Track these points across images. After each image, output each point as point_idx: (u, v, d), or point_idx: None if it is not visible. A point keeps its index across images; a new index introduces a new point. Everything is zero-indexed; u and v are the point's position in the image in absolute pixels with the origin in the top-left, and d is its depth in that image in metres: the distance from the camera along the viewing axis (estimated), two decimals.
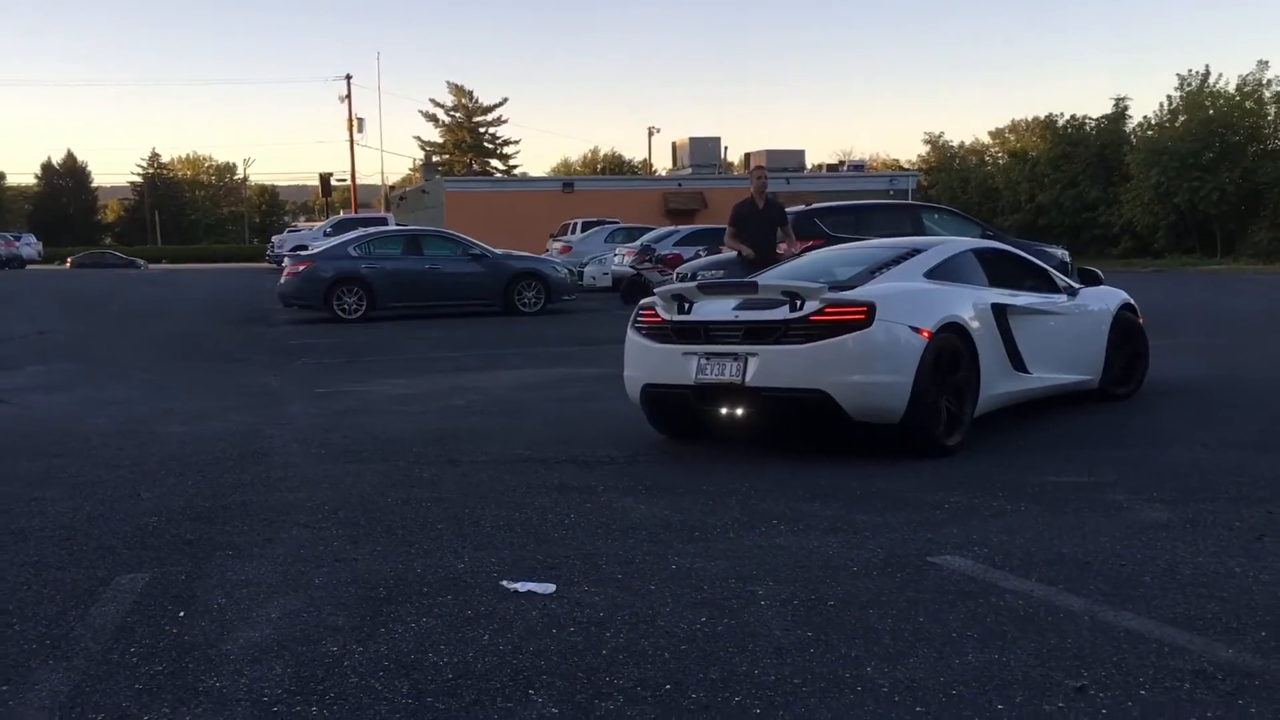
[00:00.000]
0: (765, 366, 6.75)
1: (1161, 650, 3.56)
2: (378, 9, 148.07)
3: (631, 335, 7.64)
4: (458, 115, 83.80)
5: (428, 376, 11.98)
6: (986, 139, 63.06)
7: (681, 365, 7.10)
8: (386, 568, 4.69)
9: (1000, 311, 7.55)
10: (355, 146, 57.99)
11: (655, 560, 4.72)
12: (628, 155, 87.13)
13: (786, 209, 15.00)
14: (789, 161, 51.19)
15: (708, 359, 6.97)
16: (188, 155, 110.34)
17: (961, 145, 64.40)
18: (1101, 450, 7.10)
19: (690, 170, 51.50)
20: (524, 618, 4.00)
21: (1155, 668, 3.42)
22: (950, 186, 60.92)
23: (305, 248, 27.86)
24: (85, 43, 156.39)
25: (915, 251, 7.97)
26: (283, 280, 20.00)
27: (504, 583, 4.41)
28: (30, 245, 57.90)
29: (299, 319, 19.50)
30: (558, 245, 30.81)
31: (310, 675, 3.49)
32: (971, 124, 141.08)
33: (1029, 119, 58.83)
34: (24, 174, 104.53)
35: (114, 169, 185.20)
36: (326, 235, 33.13)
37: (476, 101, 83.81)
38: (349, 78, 58.32)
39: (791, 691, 3.32)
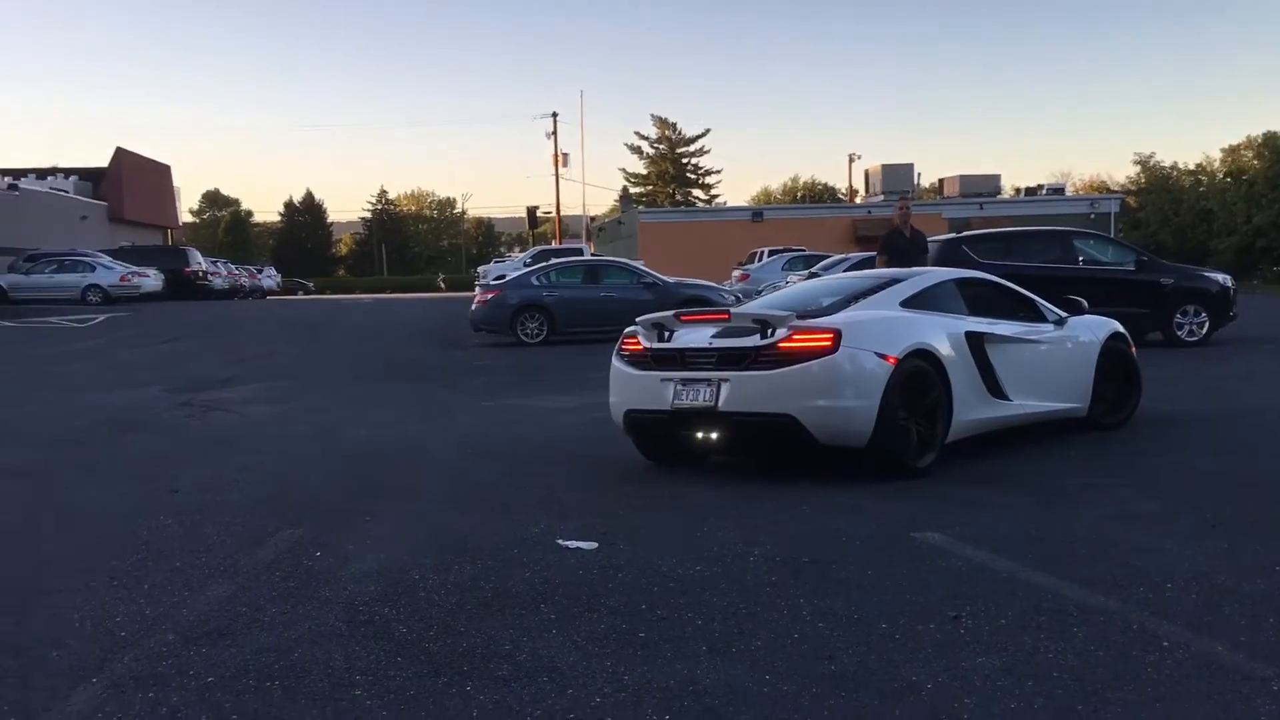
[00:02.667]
0: (736, 391, 7.00)
1: (1041, 596, 4.47)
2: (584, 49, 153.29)
3: (615, 362, 7.91)
4: (661, 147, 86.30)
5: (585, 393, 13.32)
6: (1201, 159, 60.61)
7: (659, 391, 7.37)
8: (477, 530, 5.99)
9: (976, 339, 7.69)
10: (560, 180, 60.90)
11: (686, 531, 5.85)
12: (829, 182, 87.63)
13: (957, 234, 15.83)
14: (983, 186, 50.84)
15: (684, 385, 7.24)
16: (412, 191, 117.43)
17: (1174, 166, 62.15)
18: (1117, 458, 7.70)
19: (882, 197, 51.77)
20: (562, 563, 5.22)
21: (1024, 607, 4.35)
22: (1161, 209, 58.91)
23: (504, 277, 29.93)
24: (323, 91, 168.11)
25: (894, 281, 8.20)
26: (473, 308, 21.89)
27: (559, 541, 5.64)
28: (270, 277, 63.05)
29: (487, 343, 21.32)
30: (737, 273, 31.96)
31: (391, 591, 4.81)
32: (1186, 144, 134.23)
33: (1247, 138, 56.33)
34: (269, 212, 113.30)
35: (347, 206, 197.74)
36: (526, 265, 35.28)
37: (679, 133, 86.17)
38: (555, 115, 61.26)
39: (734, 612, 4.41)
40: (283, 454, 9.22)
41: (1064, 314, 9.01)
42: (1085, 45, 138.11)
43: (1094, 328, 9.16)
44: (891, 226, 15.53)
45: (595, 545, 5.55)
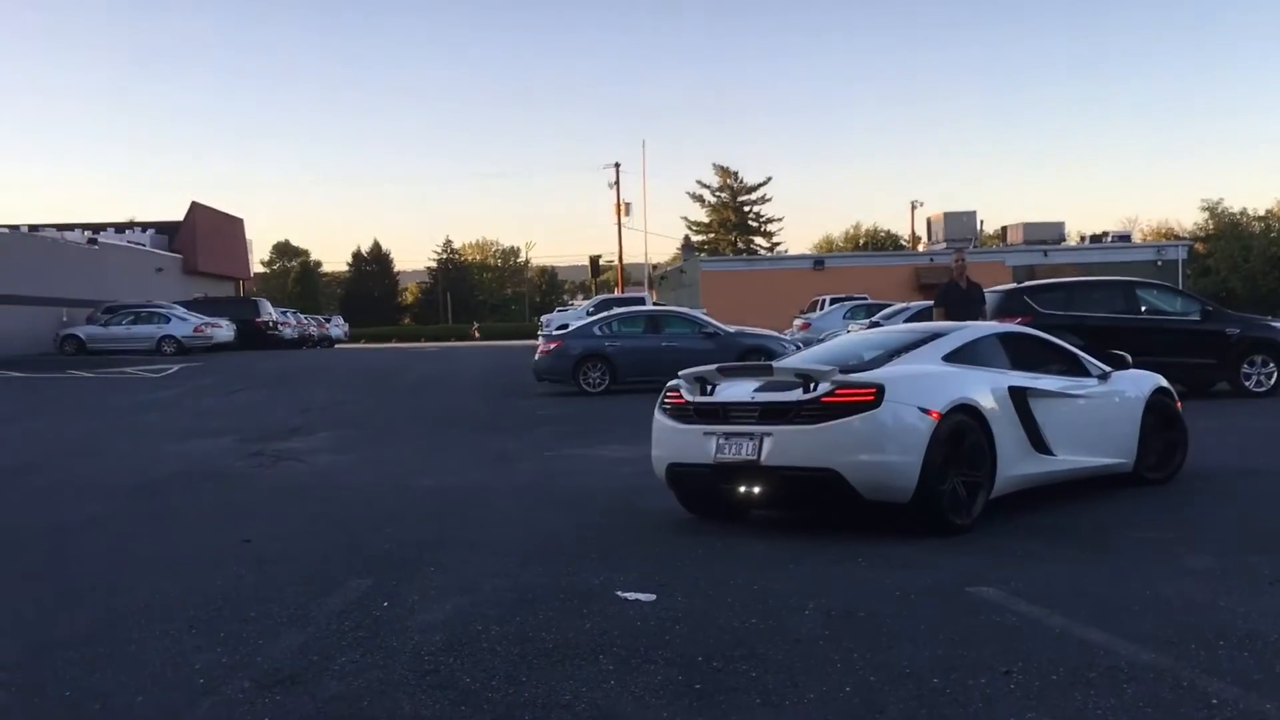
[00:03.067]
0: (780, 446, 7.03)
1: (1093, 652, 4.53)
2: (647, 99, 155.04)
3: (658, 416, 8.00)
4: (723, 195, 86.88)
5: (645, 444, 13.29)
6: (1272, 204, 59.69)
7: (702, 444, 7.41)
8: (540, 581, 6.15)
9: (1019, 394, 7.68)
10: (623, 229, 61.50)
11: (745, 582, 5.97)
12: (891, 229, 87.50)
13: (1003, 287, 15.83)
14: (1048, 234, 50.47)
15: (726, 438, 7.27)
16: (477, 240, 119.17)
17: (1243, 212, 61.25)
18: (1175, 511, 7.69)
19: (944, 245, 51.57)
20: (621, 614, 5.37)
21: (1076, 663, 4.41)
22: (1231, 255, 58.03)
23: (567, 326, 30.30)
24: (391, 143, 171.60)
25: (936, 335, 8.23)
26: (537, 357, 22.20)
27: (618, 592, 5.78)
28: (339, 326, 64.31)
29: (550, 392, 21.59)
30: (798, 322, 32.05)
31: (456, 641, 4.98)
32: (1255, 189, 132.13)
33: None
34: (338, 262, 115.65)
35: (414, 255, 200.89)
36: (589, 314, 35.65)
37: (741, 181, 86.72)
38: (618, 165, 61.91)
39: (788, 664, 4.52)
40: (350, 504, 9.47)
41: (1107, 368, 8.97)
42: (1153, 90, 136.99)
43: (1138, 382, 9.10)
44: (949, 278, 15.60)
45: (654, 597, 5.69)
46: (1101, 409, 8.60)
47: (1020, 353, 8.43)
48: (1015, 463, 7.57)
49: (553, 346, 21.95)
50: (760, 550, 6.85)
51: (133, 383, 26.05)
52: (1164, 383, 9.33)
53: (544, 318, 48.60)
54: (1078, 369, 8.77)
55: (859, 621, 5.13)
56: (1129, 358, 9.33)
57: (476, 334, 79.83)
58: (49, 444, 15.16)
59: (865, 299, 33.90)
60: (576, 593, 5.85)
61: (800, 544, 6.98)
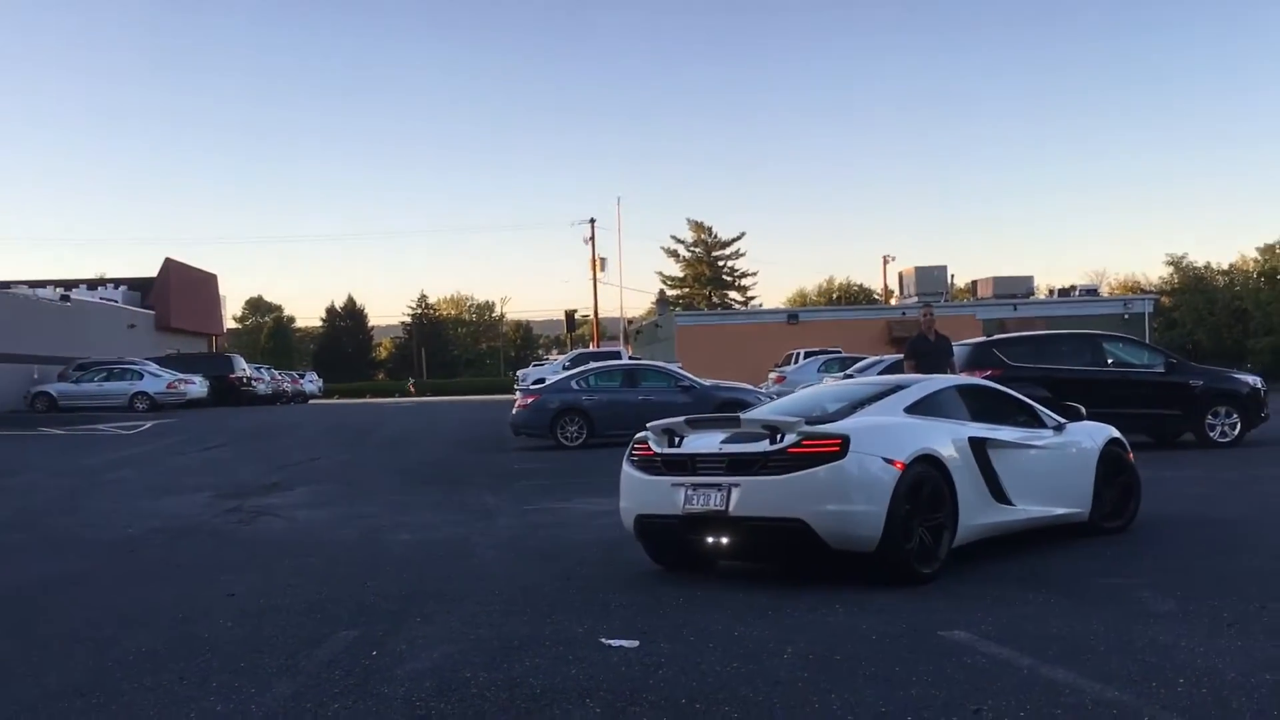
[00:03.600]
0: (747, 496, 7.15)
1: (1060, 691, 4.72)
2: (621, 155, 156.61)
3: (625, 468, 8.06)
4: (697, 250, 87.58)
5: None
6: (1236, 258, 60.88)
7: (670, 496, 7.51)
8: (525, 630, 6.29)
9: (979, 444, 7.84)
10: (598, 284, 61.97)
11: (725, 629, 6.13)
12: (865, 284, 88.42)
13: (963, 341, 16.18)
14: (1017, 288, 51.25)
15: (694, 489, 7.37)
16: (451, 295, 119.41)
17: (1207, 266, 62.35)
18: (1143, 559, 7.93)
19: (916, 298, 52.22)
20: (606, 660, 5.52)
21: (1043, 701, 4.60)
22: (1196, 309, 58.95)
23: (544, 380, 30.46)
24: (364, 199, 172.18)
25: (898, 388, 8.43)
26: (514, 411, 22.34)
27: (602, 639, 5.93)
28: (312, 382, 64.19)
29: (527, 446, 21.71)
30: (774, 375, 32.36)
31: (446, 687, 5.12)
32: (1220, 244, 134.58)
33: None
34: (311, 318, 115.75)
35: (388, 310, 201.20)
36: (565, 368, 35.81)
37: (715, 236, 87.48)
38: (593, 221, 62.51)
39: (769, 706, 4.68)
40: (332, 558, 9.56)
41: (1062, 420, 9.15)
42: (1118, 147, 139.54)
43: (1092, 433, 9.28)
44: (917, 332, 15.95)
45: (637, 643, 5.84)
46: (1058, 459, 8.77)
47: (979, 404, 8.65)
48: (976, 512, 7.72)
49: (530, 401, 22.10)
50: (739, 598, 7.01)
51: (106, 440, 25.97)
52: (1117, 433, 9.53)
53: (520, 373, 48.75)
54: (1034, 420, 8.95)
55: (836, 664, 5.31)
56: (1083, 409, 9.55)
57: (413, 389, 79.92)
58: (23, 501, 15.14)
59: (839, 352, 34.28)
60: (561, 640, 5.99)
61: (778, 593, 7.15)
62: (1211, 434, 16.96)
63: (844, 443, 7.07)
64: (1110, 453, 9.23)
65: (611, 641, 5.90)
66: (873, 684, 4.96)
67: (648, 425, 8.13)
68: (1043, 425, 8.93)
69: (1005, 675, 5.02)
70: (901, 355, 18.25)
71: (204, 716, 4.82)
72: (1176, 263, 62.95)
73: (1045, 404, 9.55)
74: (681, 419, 8.00)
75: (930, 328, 15.46)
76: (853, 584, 7.19)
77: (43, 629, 6.96)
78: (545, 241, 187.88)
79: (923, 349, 15.30)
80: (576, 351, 46.21)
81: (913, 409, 8.03)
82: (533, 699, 4.90)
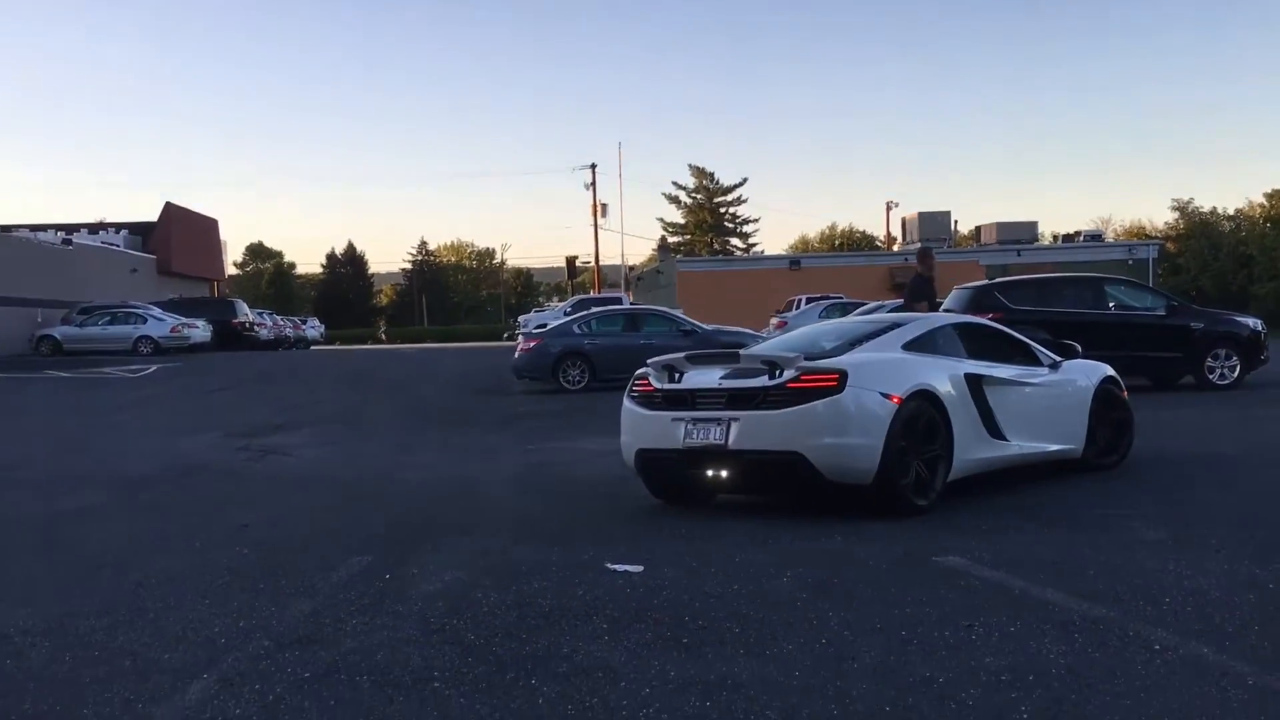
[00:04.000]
0: (746, 430, 7.29)
1: (1049, 609, 4.91)
2: (622, 100, 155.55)
3: (626, 403, 8.22)
4: (699, 196, 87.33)
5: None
6: (1242, 204, 60.73)
7: (670, 430, 7.66)
8: (532, 556, 6.48)
9: (975, 381, 7.97)
10: (599, 230, 61.87)
11: (726, 556, 6.32)
12: (867, 230, 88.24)
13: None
14: (1021, 234, 51.20)
15: (694, 424, 7.51)
16: (452, 242, 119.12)
17: (1213, 211, 62.23)
18: (1137, 493, 8.12)
19: (919, 244, 52.20)
20: (611, 583, 5.71)
21: (1033, 618, 4.79)
22: (1200, 254, 58.95)
23: (545, 326, 30.58)
24: (365, 144, 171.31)
25: (895, 325, 8.53)
26: (516, 355, 22.50)
27: (607, 565, 6.13)
28: (315, 328, 64.23)
29: (530, 389, 21.89)
30: (775, 320, 32.47)
31: (458, 606, 5.32)
32: (1225, 189, 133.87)
33: None
34: (312, 264, 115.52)
35: (388, 257, 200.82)
36: (567, 314, 35.93)
37: (717, 182, 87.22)
38: (594, 166, 62.30)
39: (768, 622, 4.88)
40: (340, 493, 9.76)
41: (1058, 358, 9.27)
42: (1123, 92, 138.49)
43: (1088, 372, 9.42)
44: (915, 274, 16.02)
45: (641, 568, 6.03)
46: (1053, 397, 8.90)
47: (976, 342, 8.74)
48: (971, 447, 7.84)
49: (532, 345, 22.24)
50: (740, 529, 7.19)
51: (112, 382, 26.17)
52: (1112, 372, 9.65)
53: (522, 318, 48.85)
54: (1030, 358, 9.06)
55: (833, 587, 5.50)
56: (1079, 347, 9.67)
57: (384, 336, 80.00)
58: (33, 441, 15.35)
59: (841, 298, 34.34)
60: (567, 566, 6.18)
61: (777, 525, 7.33)
62: (1211, 376, 17.09)
63: (842, 378, 7.20)
64: (1105, 391, 9.37)
65: (616, 566, 6.09)
66: (869, 604, 5.15)
67: (648, 361, 8.28)
68: (1039, 363, 9.06)
69: (997, 596, 5.21)
70: (901, 300, 18.37)
71: (228, 631, 5.02)
72: (1182, 208, 62.95)
73: (1068, 345, 9.62)
74: (682, 354, 8.14)
75: (931, 268, 15.56)
76: (849, 516, 7.37)
77: (63, 555, 7.17)
78: (546, 188, 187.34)
79: (928, 291, 15.40)
80: (577, 298, 46.29)
81: (910, 346, 8.14)
82: (542, 616, 5.10)
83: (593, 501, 8.65)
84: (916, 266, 15.90)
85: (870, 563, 6.01)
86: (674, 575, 5.86)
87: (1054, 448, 8.81)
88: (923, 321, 8.81)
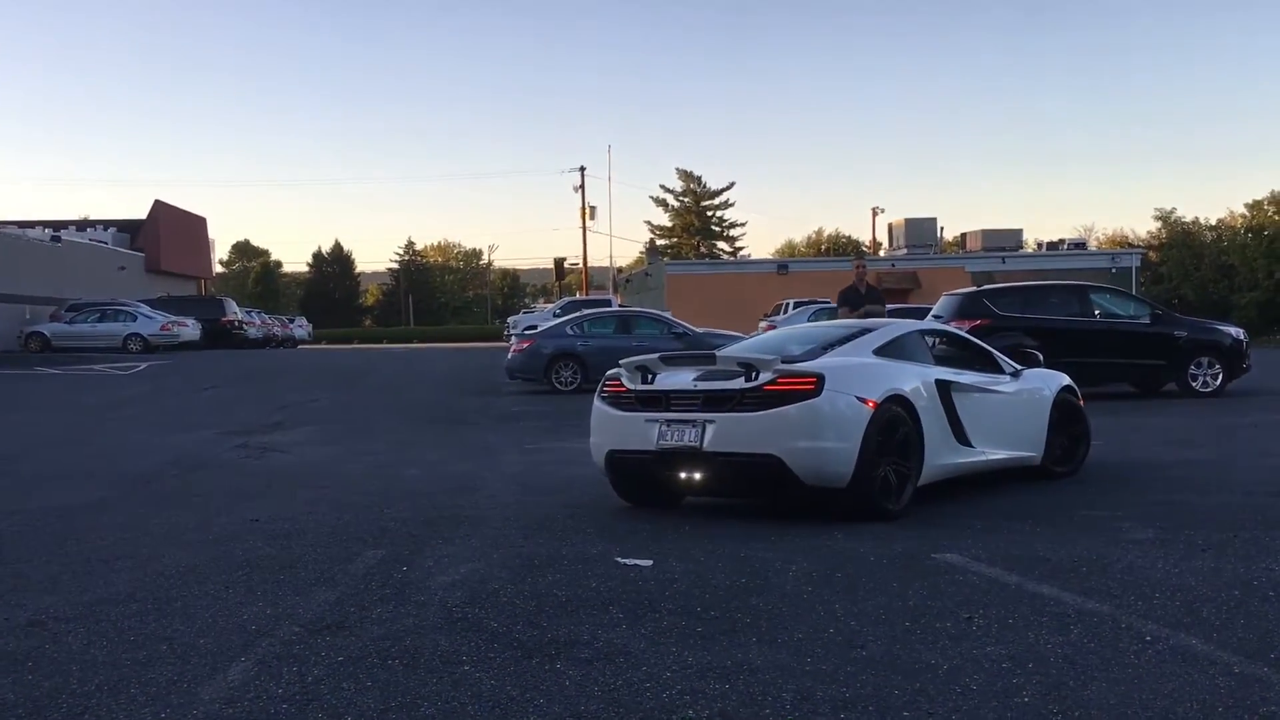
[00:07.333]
0: (722, 432, 7.29)
1: (1044, 602, 5.15)
2: (612, 104, 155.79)
3: (597, 404, 8.21)
4: (686, 200, 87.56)
5: None
6: (1224, 214, 61.33)
7: (644, 432, 7.63)
8: (544, 551, 6.69)
9: (944, 387, 8.06)
10: (587, 233, 62.07)
11: (732, 552, 6.54)
12: (853, 235, 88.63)
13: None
14: (1006, 241, 51.61)
15: (668, 425, 7.49)
16: (439, 243, 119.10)
17: (1195, 221, 62.81)
18: (1125, 495, 8.38)
19: (905, 250, 52.56)
20: (624, 576, 5.93)
21: (1029, 610, 5.02)
22: (1183, 264, 59.48)
23: (535, 327, 30.77)
24: (353, 144, 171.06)
25: (865, 331, 8.60)
26: (509, 356, 22.70)
27: (617, 559, 6.34)
28: (302, 327, 64.27)
29: (522, 390, 22.09)
30: (763, 324, 32.73)
31: (477, 596, 5.52)
32: (1208, 199, 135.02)
33: (1271, 193, 56.96)
34: (298, 263, 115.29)
35: (375, 257, 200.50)
36: (556, 316, 36.11)
37: (704, 186, 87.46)
38: (583, 169, 62.51)
39: (777, 613, 5.10)
40: (345, 489, 9.93)
41: (1019, 366, 9.41)
42: (1109, 101, 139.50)
43: (1047, 380, 9.54)
44: (849, 283, 16.46)
45: (650, 562, 6.25)
46: (1015, 404, 9.00)
47: (941, 348, 8.94)
48: (939, 453, 7.94)
49: (525, 346, 22.45)
50: (742, 527, 7.41)
51: (103, 379, 26.25)
52: (1069, 381, 9.76)
53: (511, 319, 49.04)
54: (992, 365, 9.18)
55: (837, 580, 5.72)
56: (1040, 356, 9.85)
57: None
58: (28, 436, 15.46)
59: (829, 303, 34.58)
60: (579, 560, 6.39)
61: (781, 523, 7.54)
62: (1194, 384, 17.39)
63: (819, 381, 7.25)
64: (1063, 399, 9.48)
65: (626, 560, 6.31)
66: (872, 596, 5.37)
67: (620, 362, 8.23)
68: (1000, 371, 9.17)
69: (995, 590, 5.44)
70: (888, 305, 18.73)
71: (257, 618, 5.21)
72: (1165, 218, 63.45)
73: (1029, 354, 9.82)
74: (655, 355, 8.16)
75: (862, 280, 16.23)
76: (848, 518, 7.58)
77: (77, 548, 7.27)
78: (534, 190, 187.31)
79: (853, 299, 15.92)
80: (566, 299, 46.51)
81: (881, 350, 8.22)
82: (559, 606, 5.31)
83: (596, 499, 8.85)
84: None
85: (871, 559, 6.24)
86: (682, 569, 6.08)
87: (1015, 454, 8.90)
88: (892, 327, 8.90)
